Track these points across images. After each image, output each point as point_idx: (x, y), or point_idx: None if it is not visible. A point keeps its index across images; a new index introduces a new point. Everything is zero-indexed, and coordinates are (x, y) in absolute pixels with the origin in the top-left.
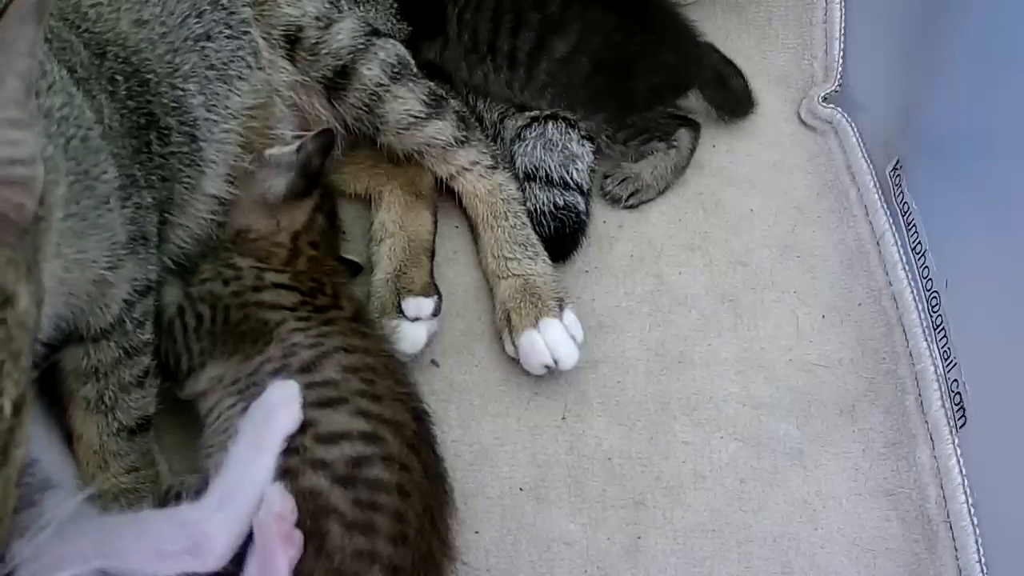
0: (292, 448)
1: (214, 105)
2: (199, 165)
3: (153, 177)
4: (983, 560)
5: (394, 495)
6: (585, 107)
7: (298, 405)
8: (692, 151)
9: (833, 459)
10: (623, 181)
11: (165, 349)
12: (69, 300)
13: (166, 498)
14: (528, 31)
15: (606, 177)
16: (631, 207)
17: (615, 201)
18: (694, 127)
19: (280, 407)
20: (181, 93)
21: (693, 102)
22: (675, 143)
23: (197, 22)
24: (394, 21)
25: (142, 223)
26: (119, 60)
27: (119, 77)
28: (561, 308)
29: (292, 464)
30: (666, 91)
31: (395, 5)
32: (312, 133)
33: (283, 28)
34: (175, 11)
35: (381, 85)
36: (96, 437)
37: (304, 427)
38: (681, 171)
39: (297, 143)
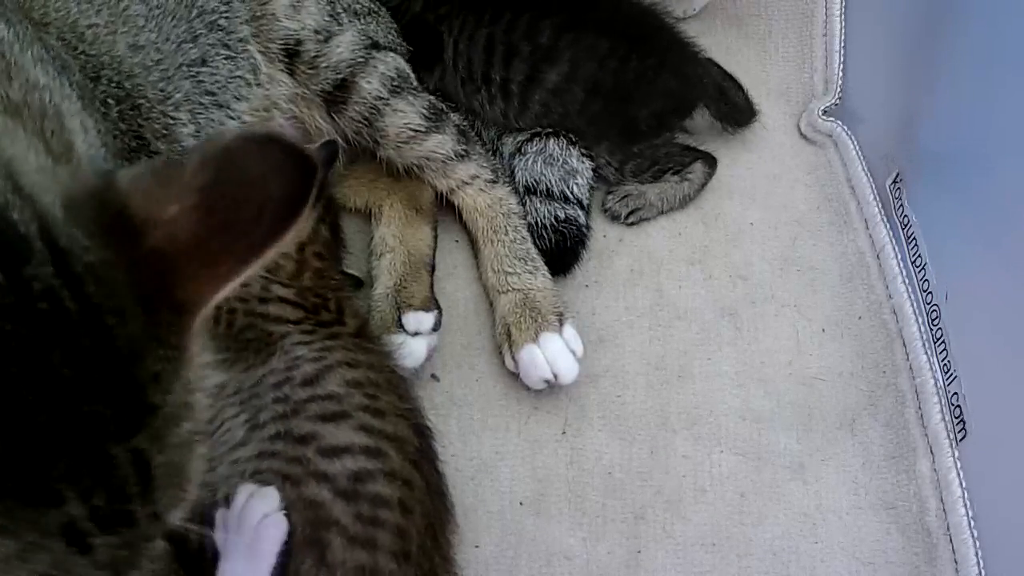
0: (295, 458)
1: (208, 132)
2: None
3: None
4: (983, 572)
5: (396, 511)
6: (585, 136)
7: (281, 515)
8: (704, 185)
9: (833, 472)
10: (624, 198)
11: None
12: None
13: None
14: (520, 61)
15: (608, 193)
16: (631, 224)
17: (615, 217)
18: (710, 161)
19: (266, 520)
20: (172, 121)
21: (697, 119)
22: (689, 175)
23: (192, 47)
24: (395, 34)
25: None
26: (112, 84)
27: (111, 101)
28: (561, 322)
29: (295, 473)
30: (670, 115)
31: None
32: (315, 145)
33: (282, 42)
34: (171, 36)
35: (381, 99)
36: None
37: (307, 440)
38: (688, 202)
39: None
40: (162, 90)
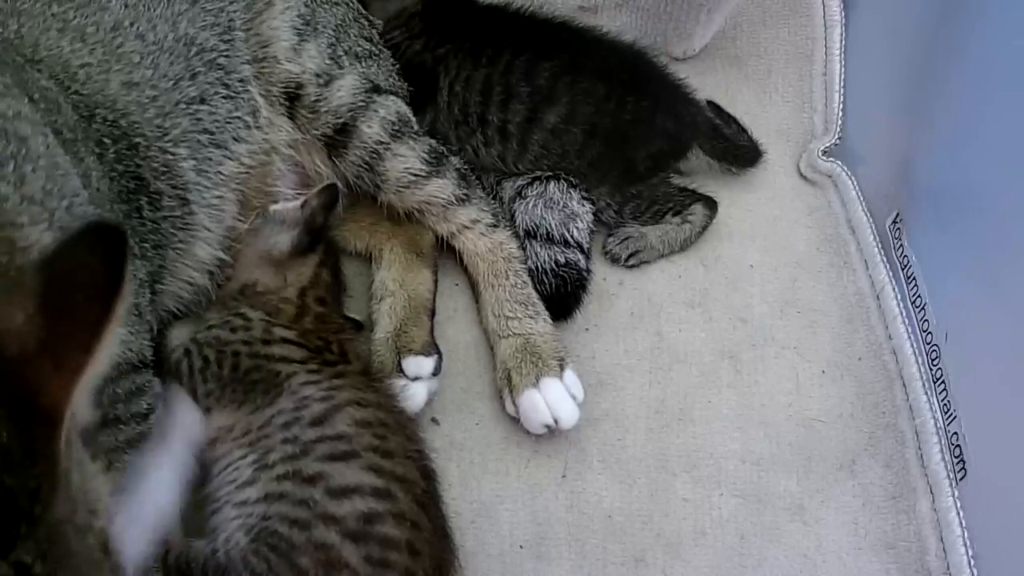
0: (303, 501)
1: (206, 170)
2: (191, 229)
3: (146, 245)
4: None
5: (404, 553)
6: (586, 178)
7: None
8: (704, 228)
9: (833, 513)
10: (625, 240)
11: None
12: None
13: (174, 566)
14: (518, 103)
15: (608, 235)
16: (631, 267)
17: (615, 260)
18: (710, 204)
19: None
20: (171, 157)
21: (695, 161)
22: (689, 218)
23: (190, 84)
24: (396, 76)
25: (136, 295)
26: (107, 123)
27: (107, 140)
28: (562, 367)
29: (302, 516)
30: (666, 155)
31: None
32: (316, 189)
33: (283, 85)
34: (168, 73)
35: (381, 143)
36: None
37: (315, 480)
38: (688, 245)
39: (301, 199)
40: (159, 127)
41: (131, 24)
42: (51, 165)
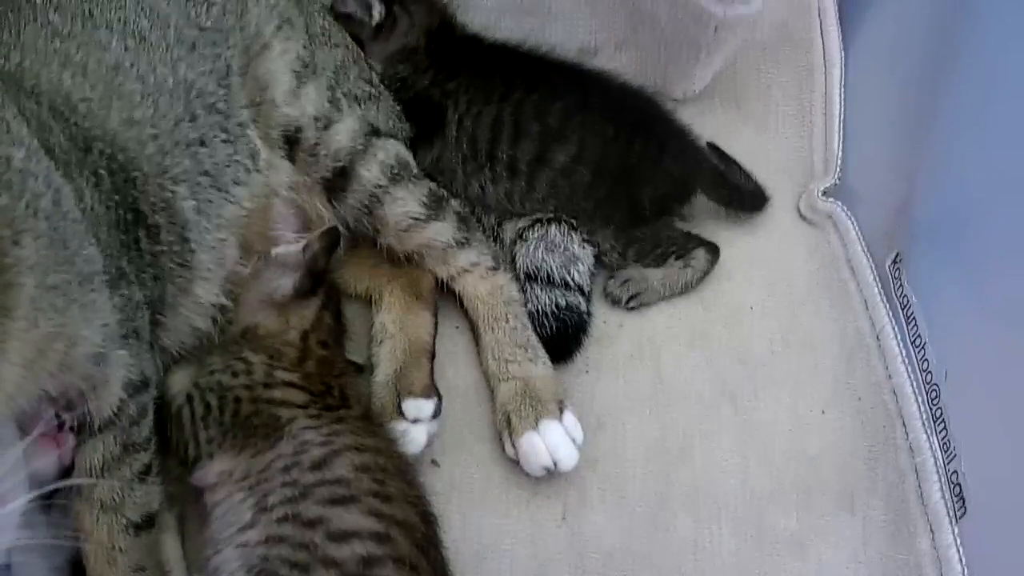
0: (303, 544)
1: (207, 212)
2: (192, 268)
3: (144, 275)
4: None
5: None
6: (591, 219)
7: None
8: (706, 273)
9: (833, 550)
10: (626, 282)
11: (175, 438)
12: (59, 376)
13: None
14: (529, 141)
15: (609, 277)
16: (632, 309)
17: (616, 302)
18: (712, 250)
19: None
20: (171, 195)
21: (697, 205)
22: (692, 262)
23: (190, 127)
24: (396, 118)
25: (133, 318)
26: (104, 156)
27: (103, 172)
28: (561, 410)
29: (303, 559)
30: (671, 199)
31: (398, 105)
32: (317, 232)
33: (282, 128)
34: (167, 114)
35: (380, 187)
36: (107, 535)
37: (315, 524)
38: (689, 289)
39: (302, 242)
40: (159, 164)
41: (131, 65)
42: (26, 147)
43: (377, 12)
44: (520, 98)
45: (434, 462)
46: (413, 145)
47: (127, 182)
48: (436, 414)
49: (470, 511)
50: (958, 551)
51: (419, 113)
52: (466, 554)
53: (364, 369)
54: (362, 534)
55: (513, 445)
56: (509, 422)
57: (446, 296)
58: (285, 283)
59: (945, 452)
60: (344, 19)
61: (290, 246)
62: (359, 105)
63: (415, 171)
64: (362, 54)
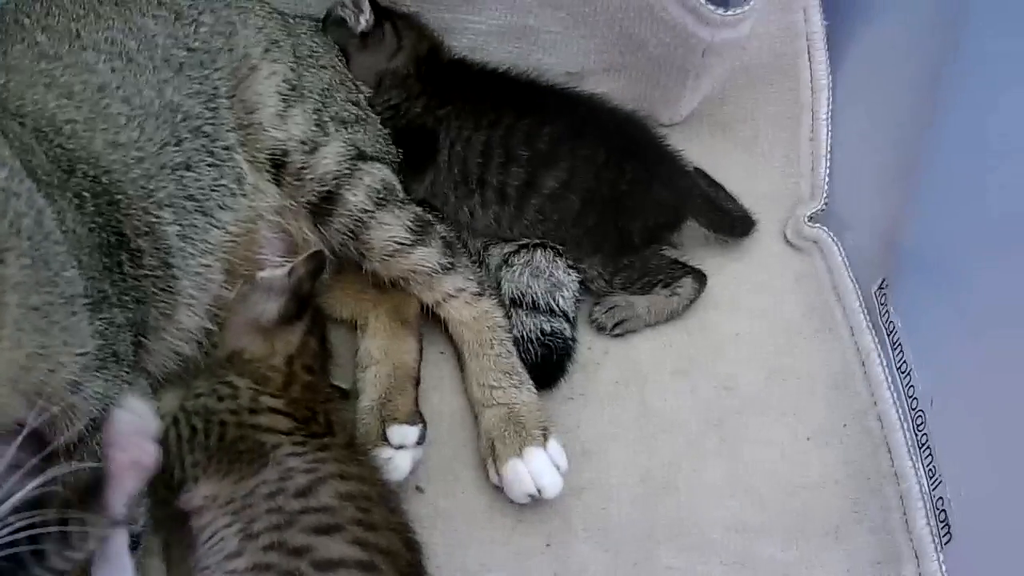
0: (288, 572)
1: (191, 237)
2: (175, 294)
3: (126, 298)
4: None
5: None
6: (580, 246)
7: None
8: (692, 301)
9: None
10: (611, 309)
11: (161, 461)
12: (34, 398)
13: None
14: (517, 167)
15: (595, 304)
16: (617, 336)
17: (601, 329)
18: (699, 278)
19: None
20: (155, 220)
21: (686, 232)
22: (678, 290)
23: (176, 150)
24: (383, 141)
25: (113, 341)
26: (88, 178)
27: (86, 194)
28: (546, 437)
29: None
30: (661, 228)
31: (389, 133)
32: (303, 256)
33: (268, 152)
34: (153, 137)
35: (366, 211)
36: None
37: (301, 552)
38: (675, 316)
39: (288, 266)
40: (143, 187)
41: (117, 88)
42: (11, 169)
43: (364, 19)
44: (510, 123)
45: (419, 488)
46: (405, 173)
47: (111, 205)
48: (421, 440)
49: (454, 538)
50: None
51: (412, 141)
52: None
53: (349, 394)
54: (348, 563)
55: (497, 472)
56: (493, 449)
57: (431, 322)
58: (270, 307)
59: (931, 478)
60: (335, 26)
61: (275, 270)
62: (346, 128)
63: (401, 196)
64: (349, 75)
